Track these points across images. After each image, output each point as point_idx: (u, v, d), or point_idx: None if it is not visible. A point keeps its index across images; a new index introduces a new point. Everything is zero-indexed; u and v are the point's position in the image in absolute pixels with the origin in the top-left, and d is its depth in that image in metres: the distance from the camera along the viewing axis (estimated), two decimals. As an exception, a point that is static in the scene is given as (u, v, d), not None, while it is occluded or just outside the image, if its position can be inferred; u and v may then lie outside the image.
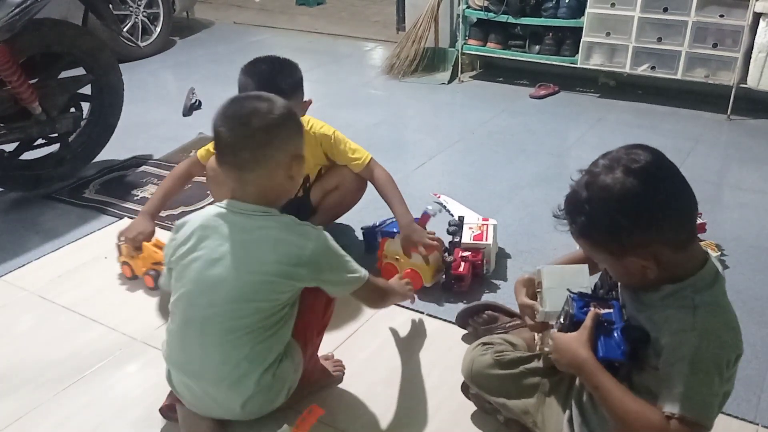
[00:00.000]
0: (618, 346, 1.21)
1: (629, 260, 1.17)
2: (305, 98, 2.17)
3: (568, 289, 1.35)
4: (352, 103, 3.97)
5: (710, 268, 1.20)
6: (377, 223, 2.40)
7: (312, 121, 2.24)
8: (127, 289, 2.22)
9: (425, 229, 2.34)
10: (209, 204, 2.71)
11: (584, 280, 1.41)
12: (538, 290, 1.48)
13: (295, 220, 1.49)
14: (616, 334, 1.23)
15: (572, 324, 1.29)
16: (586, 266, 1.43)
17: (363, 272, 1.57)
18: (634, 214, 1.14)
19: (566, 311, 1.32)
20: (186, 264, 1.49)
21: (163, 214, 2.62)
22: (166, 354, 1.57)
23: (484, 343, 1.58)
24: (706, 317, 1.15)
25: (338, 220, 2.50)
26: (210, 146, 2.24)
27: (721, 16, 3.41)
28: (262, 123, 1.43)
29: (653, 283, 1.20)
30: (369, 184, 2.30)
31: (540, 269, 1.47)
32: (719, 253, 2.31)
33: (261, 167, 1.44)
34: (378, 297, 1.70)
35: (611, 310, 1.29)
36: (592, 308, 1.29)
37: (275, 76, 2.03)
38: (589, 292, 1.37)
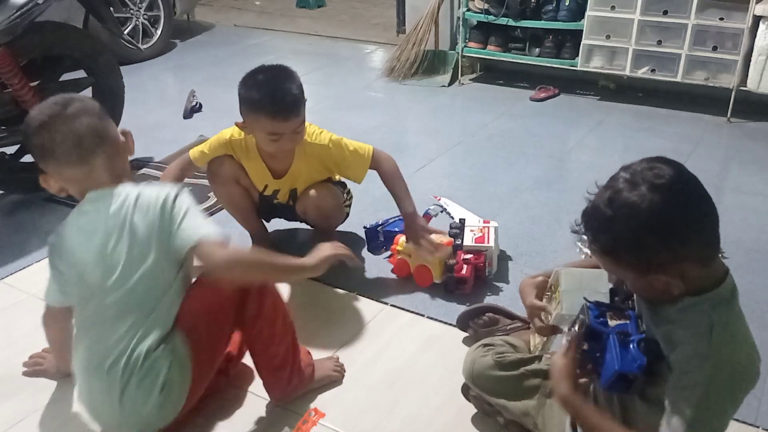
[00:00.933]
0: (634, 360, 1.17)
1: (654, 277, 1.14)
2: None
3: (584, 298, 1.31)
4: (352, 105, 3.98)
5: (729, 283, 1.17)
6: (379, 222, 2.40)
7: (311, 130, 2.18)
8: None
9: (426, 229, 2.35)
10: (210, 205, 2.72)
11: (603, 285, 1.36)
12: (548, 293, 1.46)
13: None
14: (632, 347, 1.19)
15: (589, 334, 1.26)
16: (604, 271, 1.39)
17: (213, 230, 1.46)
18: (662, 233, 1.10)
19: (582, 320, 1.28)
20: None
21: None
22: None
23: (485, 345, 1.58)
24: (723, 343, 1.11)
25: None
26: (204, 147, 2.24)
27: (721, 18, 3.41)
28: (75, 111, 1.46)
29: (675, 296, 1.17)
30: (366, 181, 2.28)
31: (557, 270, 1.43)
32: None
33: (105, 144, 1.48)
34: (249, 267, 1.49)
35: (628, 321, 1.25)
36: (609, 318, 1.26)
37: (285, 84, 2.01)
38: (607, 299, 1.34)
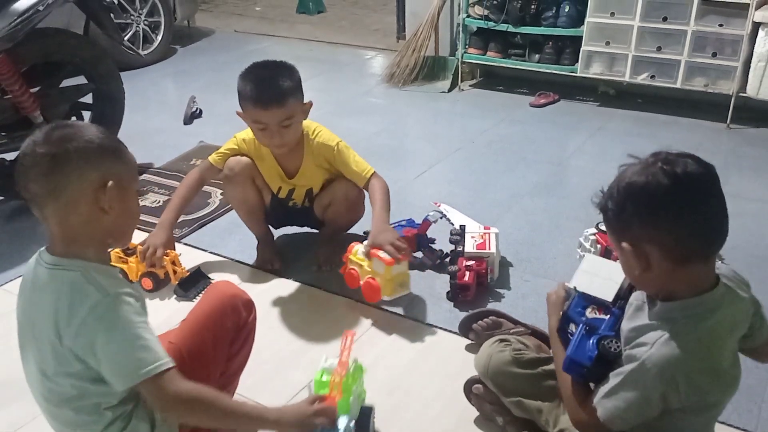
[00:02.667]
0: (586, 352, 1.28)
1: (624, 247, 1.19)
2: (310, 102, 2.17)
3: (574, 287, 1.41)
4: (352, 111, 3.98)
5: (713, 299, 1.18)
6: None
7: (318, 129, 2.23)
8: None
9: (426, 235, 2.36)
10: (210, 212, 2.72)
11: (620, 276, 1.41)
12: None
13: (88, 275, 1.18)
14: (591, 341, 1.29)
15: (564, 318, 1.39)
16: None
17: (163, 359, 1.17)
18: (640, 204, 1.16)
19: (566, 304, 1.40)
20: None
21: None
22: None
23: (502, 340, 1.57)
24: (669, 348, 1.14)
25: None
26: (223, 149, 2.27)
27: (721, 25, 3.42)
28: (47, 150, 1.17)
29: (645, 287, 1.24)
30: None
31: (585, 254, 1.61)
32: (719, 262, 2.31)
33: (54, 199, 1.18)
34: (195, 410, 1.21)
35: (605, 318, 1.34)
36: (588, 311, 1.36)
37: (275, 79, 2.03)
38: (614, 291, 1.39)
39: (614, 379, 1.22)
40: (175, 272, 2.19)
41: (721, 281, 1.22)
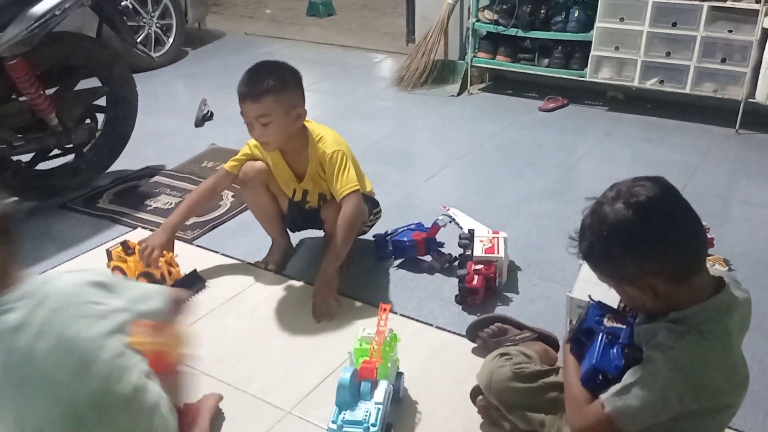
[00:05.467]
0: (612, 360, 1.26)
1: (627, 288, 1.22)
2: (303, 109, 2.14)
3: (589, 296, 1.40)
4: (362, 114, 4.01)
5: (719, 302, 1.21)
6: (388, 231, 2.43)
7: (324, 135, 2.20)
8: (140, 299, 2.25)
9: (435, 239, 2.37)
10: (221, 214, 2.75)
11: None
12: None
13: None
14: (615, 349, 1.27)
15: (582, 332, 1.34)
16: None
17: None
18: (626, 246, 1.18)
19: (580, 316, 1.36)
20: None
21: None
22: None
23: (503, 354, 1.59)
24: (690, 346, 1.17)
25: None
26: (238, 155, 2.30)
27: (730, 31, 3.43)
28: None
29: (655, 311, 1.24)
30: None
31: (583, 263, 1.55)
32: (727, 268, 2.33)
33: None
34: None
35: (623, 327, 1.32)
36: (606, 320, 1.34)
37: (260, 75, 2.06)
38: (615, 302, 1.40)
39: (630, 377, 1.21)
40: (170, 273, 2.22)
41: (727, 282, 1.24)
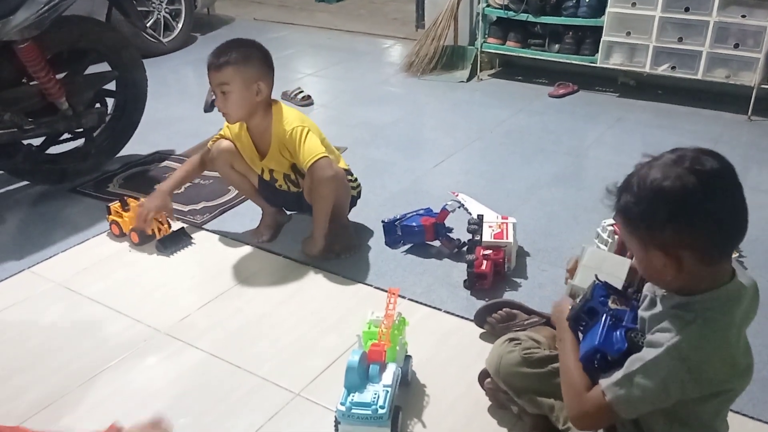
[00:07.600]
0: (615, 343, 1.26)
1: (654, 254, 1.17)
2: (265, 86, 2.21)
3: (596, 275, 1.38)
4: (371, 100, 3.99)
5: (730, 291, 1.19)
6: (397, 217, 2.43)
7: (288, 115, 2.25)
8: (151, 282, 2.27)
9: (444, 224, 2.38)
10: (230, 198, 2.76)
11: (622, 272, 1.41)
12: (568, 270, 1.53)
13: None
14: (619, 332, 1.27)
15: (585, 311, 1.33)
16: (629, 260, 1.45)
17: None
18: (676, 209, 1.13)
19: (585, 295, 1.35)
20: None
21: (185, 209, 2.69)
22: None
23: (512, 339, 1.59)
24: (695, 336, 1.15)
25: (357, 214, 2.55)
26: (217, 133, 2.40)
27: (743, 16, 3.39)
28: None
29: (669, 287, 1.21)
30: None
31: (584, 247, 1.54)
32: (737, 254, 2.31)
33: None
34: None
35: (627, 310, 1.32)
36: (610, 301, 1.33)
37: (227, 48, 2.19)
38: (620, 286, 1.39)
39: (632, 365, 1.20)
40: (159, 230, 2.46)
41: (736, 272, 1.22)
